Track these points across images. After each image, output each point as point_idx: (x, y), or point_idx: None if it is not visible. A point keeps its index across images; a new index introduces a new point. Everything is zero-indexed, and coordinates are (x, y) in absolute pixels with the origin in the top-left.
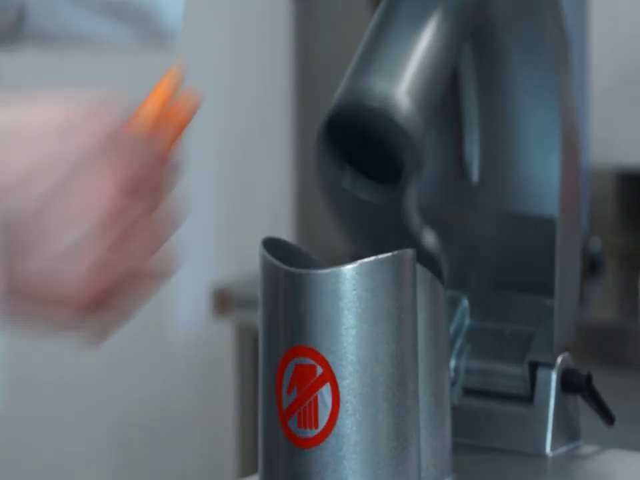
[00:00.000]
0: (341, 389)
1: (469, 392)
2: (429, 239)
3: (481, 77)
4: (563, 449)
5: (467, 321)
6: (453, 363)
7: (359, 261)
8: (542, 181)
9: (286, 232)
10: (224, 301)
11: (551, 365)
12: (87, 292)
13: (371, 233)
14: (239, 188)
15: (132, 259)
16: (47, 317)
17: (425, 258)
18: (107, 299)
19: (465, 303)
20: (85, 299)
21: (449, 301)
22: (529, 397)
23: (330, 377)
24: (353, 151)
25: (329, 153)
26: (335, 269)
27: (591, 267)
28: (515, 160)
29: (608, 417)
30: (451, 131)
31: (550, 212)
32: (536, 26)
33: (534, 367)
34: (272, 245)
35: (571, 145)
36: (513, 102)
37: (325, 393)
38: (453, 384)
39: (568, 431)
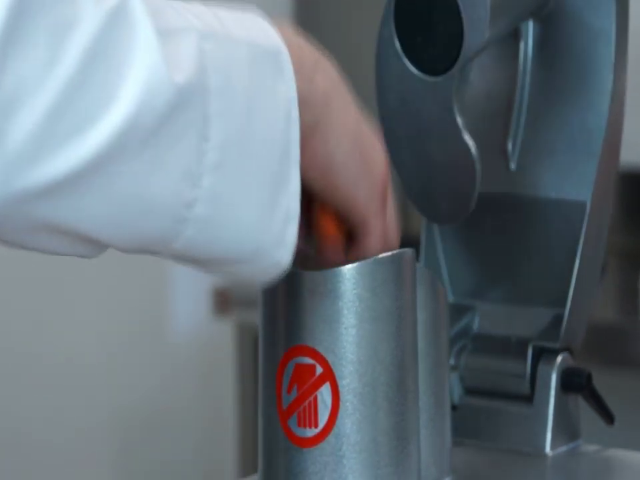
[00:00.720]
0: (340, 389)
1: (469, 391)
2: (469, 139)
3: (539, 63)
4: (562, 449)
5: (474, 328)
6: (452, 362)
7: (359, 261)
8: (579, 170)
9: None
10: (224, 301)
11: (555, 352)
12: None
13: (415, 126)
14: None
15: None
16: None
17: (463, 157)
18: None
19: (476, 312)
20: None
21: (459, 308)
22: (529, 396)
23: (330, 377)
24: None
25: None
26: (335, 269)
27: None
28: (555, 149)
29: (608, 417)
30: (496, 118)
31: (583, 199)
32: (601, 18)
33: (537, 355)
34: None
35: (613, 141)
36: (566, 90)
37: (325, 392)
38: (452, 383)
39: (568, 430)
